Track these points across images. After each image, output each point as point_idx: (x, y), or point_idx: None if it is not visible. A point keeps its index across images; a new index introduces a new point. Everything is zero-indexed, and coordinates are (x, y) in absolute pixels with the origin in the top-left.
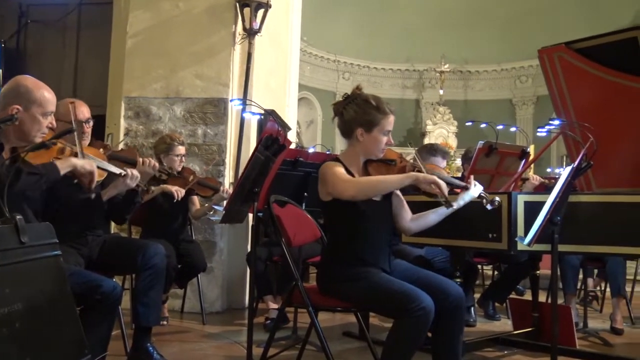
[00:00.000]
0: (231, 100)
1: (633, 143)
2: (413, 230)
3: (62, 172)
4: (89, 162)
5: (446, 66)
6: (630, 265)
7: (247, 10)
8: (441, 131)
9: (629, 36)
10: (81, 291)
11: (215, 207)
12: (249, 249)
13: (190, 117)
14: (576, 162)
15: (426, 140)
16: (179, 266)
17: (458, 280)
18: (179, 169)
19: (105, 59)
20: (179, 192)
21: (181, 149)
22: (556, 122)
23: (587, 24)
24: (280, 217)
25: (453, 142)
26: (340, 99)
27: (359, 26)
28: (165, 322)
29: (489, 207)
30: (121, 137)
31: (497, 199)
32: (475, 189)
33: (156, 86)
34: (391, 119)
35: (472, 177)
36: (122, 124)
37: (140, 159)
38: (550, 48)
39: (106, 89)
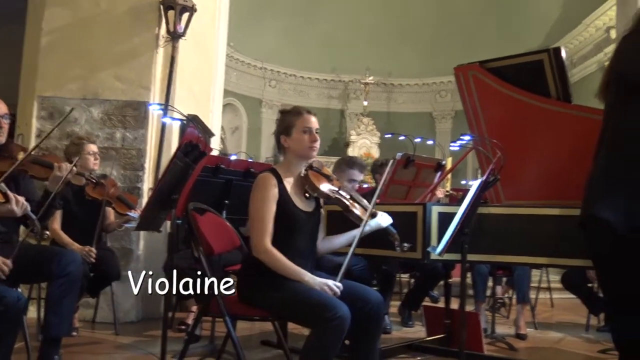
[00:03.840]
0: (149, 105)
1: (539, 158)
2: (321, 250)
3: None
4: None
5: (370, 78)
6: (536, 274)
7: (171, 13)
8: (364, 141)
9: (536, 59)
10: None
11: (130, 214)
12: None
13: (109, 119)
14: (484, 177)
15: (350, 150)
16: (92, 274)
17: (375, 288)
18: (95, 168)
19: (18, 56)
20: (89, 256)
21: (92, 147)
22: (467, 137)
23: (501, 45)
24: (199, 225)
25: (376, 152)
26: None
27: (286, 35)
28: (75, 333)
29: (397, 249)
30: (32, 138)
31: (406, 244)
32: (383, 218)
33: (72, 86)
34: (307, 117)
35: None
36: (34, 124)
37: (57, 164)
38: (465, 66)
39: (18, 87)
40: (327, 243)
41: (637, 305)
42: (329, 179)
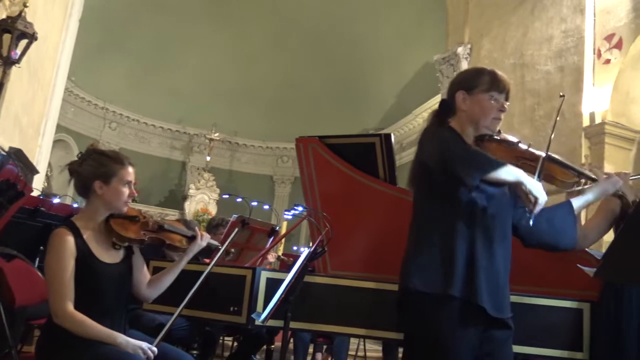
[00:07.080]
0: None
1: (364, 233)
2: (151, 296)
3: None
4: None
5: (216, 134)
6: (354, 342)
7: (7, 36)
8: (203, 197)
9: (370, 141)
10: None
11: None
12: None
13: None
14: (312, 247)
15: (187, 204)
16: None
17: (195, 351)
18: None
19: None
20: None
21: None
22: (300, 208)
23: (341, 120)
24: (4, 272)
25: (213, 209)
26: (75, 159)
27: (133, 78)
28: None
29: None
30: None
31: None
32: (203, 239)
33: None
34: (130, 169)
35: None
36: None
37: None
38: (307, 139)
39: None
40: (156, 285)
41: None
42: (134, 220)
